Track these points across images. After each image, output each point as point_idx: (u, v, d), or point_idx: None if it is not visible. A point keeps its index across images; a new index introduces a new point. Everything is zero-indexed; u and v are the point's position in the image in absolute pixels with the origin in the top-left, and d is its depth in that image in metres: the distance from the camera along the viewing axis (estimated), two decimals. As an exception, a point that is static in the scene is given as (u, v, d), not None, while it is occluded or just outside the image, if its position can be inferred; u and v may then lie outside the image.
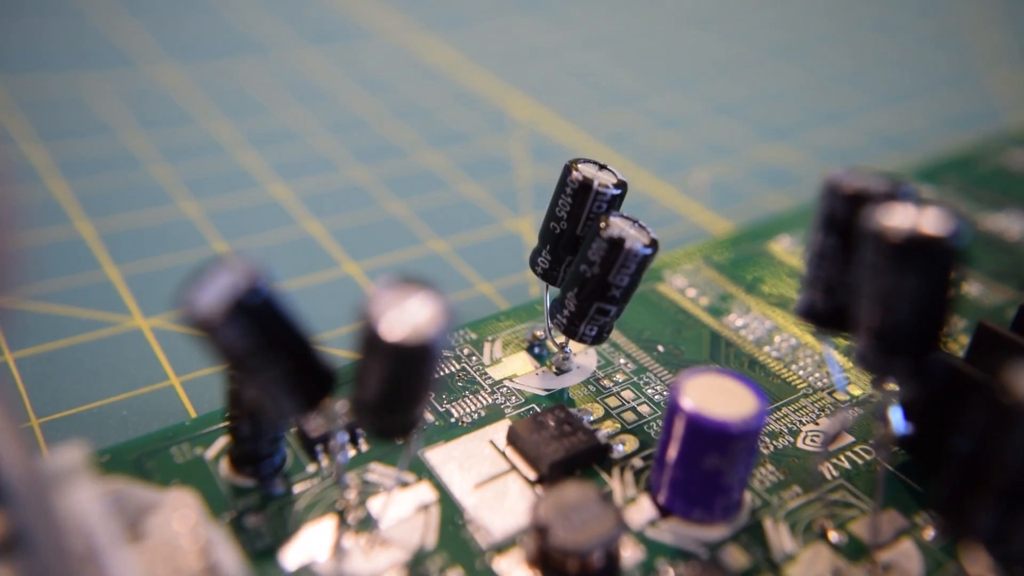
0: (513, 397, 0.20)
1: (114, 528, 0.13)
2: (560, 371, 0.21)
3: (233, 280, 0.13)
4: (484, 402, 0.20)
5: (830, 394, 0.21)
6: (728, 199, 0.32)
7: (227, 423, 0.16)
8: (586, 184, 0.20)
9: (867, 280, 0.14)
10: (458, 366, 0.21)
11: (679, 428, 0.17)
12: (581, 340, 0.20)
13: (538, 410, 0.20)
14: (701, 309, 0.24)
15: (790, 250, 0.26)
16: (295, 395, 0.14)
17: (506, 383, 0.21)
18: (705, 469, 0.17)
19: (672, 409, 0.17)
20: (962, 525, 0.13)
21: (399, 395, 0.14)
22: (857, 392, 0.21)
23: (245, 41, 0.42)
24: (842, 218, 0.15)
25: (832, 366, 0.21)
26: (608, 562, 0.16)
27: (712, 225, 0.31)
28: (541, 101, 0.39)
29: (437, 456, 0.19)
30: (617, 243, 0.18)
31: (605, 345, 0.22)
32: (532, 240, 0.29)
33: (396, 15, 0.46)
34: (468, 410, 0.20)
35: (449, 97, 0.39)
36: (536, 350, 0.22)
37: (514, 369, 0.21)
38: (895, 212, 0.14)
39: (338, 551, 0.16)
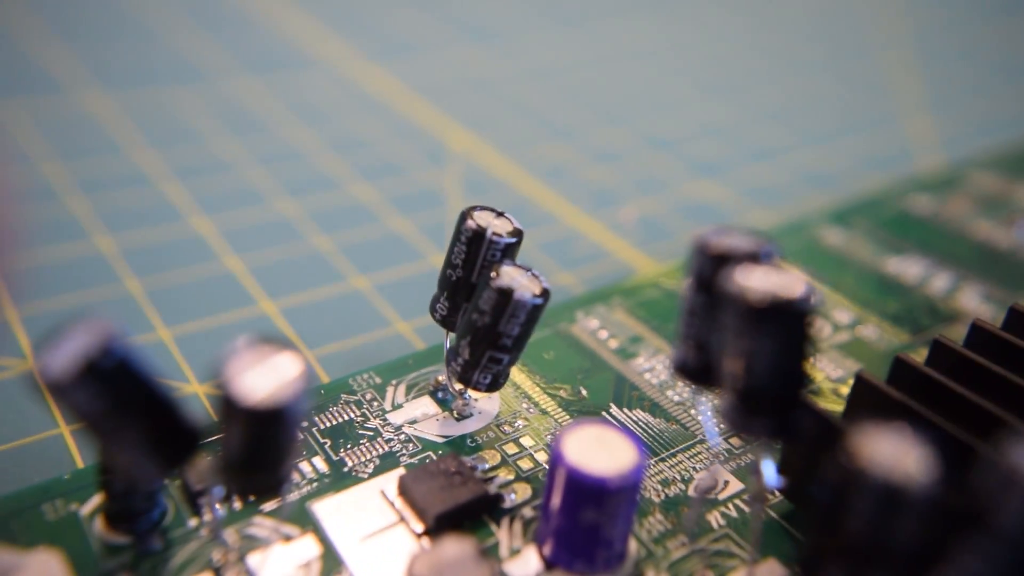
0: (411, 444, 0.20)
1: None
2: (461, 416, 0.21)
3: (87, 341, 0.13)
4: (380, 450, 0.20)
5: (726, 439, 0.21)
6: (656, 235, 0.33)
7: (100, 479, 0.16)
8: (479, 232, 0.20)
9: (727, 340, 0.14)
10: (358, 412, 0.21)
11: (560, 481, 0.17)
12: (476, 387, 0.20)
13: (435, 458, 0.20)
14: (610, 352, 0.24)
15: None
16: (155, 457, 0.14)
17: (405, 429, 0.21)
18: (585, 522, 0.17)
19: (554, 462, 0.17)
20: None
21: (259, 456, 0.14)
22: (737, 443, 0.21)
23: (181, 68, 0.42)
24: (707, 277, 0.15)
25: (707, 423, 0.21)
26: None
27: (636, 262, 0.31)
28: (480, 134, 0.39)
29: (325, 507, 0.19)
30: (506, 293, 0.18)
31: (509, 389, 0.22)
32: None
33: (340, 43, 0.46)
34: (363, 459, 0.20)
35: (388, 128, 0.39)
36: (440, 395, 0.22)
37: (415, 415, 0.21)
38: (752, 274, 0.14)
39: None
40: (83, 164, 0.33)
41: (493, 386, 0.20)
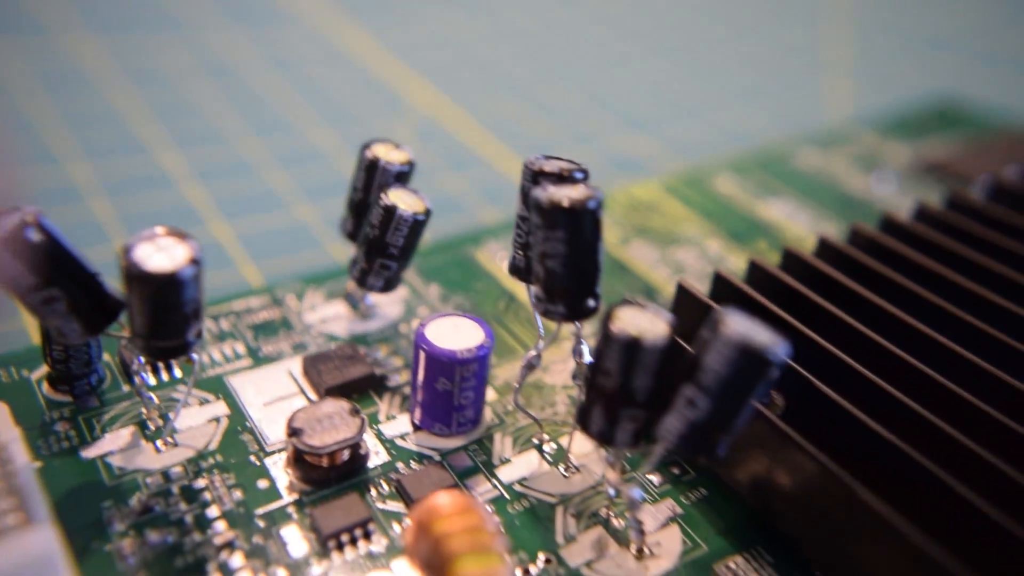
0: (320, 339, 0.24)
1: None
2: (365, 317, 0.25)
3: (18, 218, 0.17)
4: (294, 342, 0.24)
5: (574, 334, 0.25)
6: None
7: (45, 350, 0.20)
8: (373, 161, 0.23)
9: (534, 240, 0.18)
10: (279, 312, 0.25)
11: (421, 358, 0.21)
12: (371, 289, 0.24)
13: (337, 348, 0.24)
14: (505, 274, 0.28)
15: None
16: (78, 321, 0.18)
17: (319, 327, 0.25)
18: (439, 391, 0.21)
19: (416, 343, 0.21)
20: (584, 425, 0.18)
21: (160, 323, 0.18)
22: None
23: (164, 17, 0.46)
24: (527, 191, 0.19)
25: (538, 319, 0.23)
26: (352, 460, 0.20)
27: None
28: (438, 87, 0.43)
29: (239, 380, 0.23)
30: (390, 210, 0.22)
31: (411, 298, 0.26)
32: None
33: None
34: (279, 348, 0.24)
35: (354, 80, 0.42)
36: (351, 300, 0.26)
37: (327, 315, 0.25)
38: (555, 188, 0.18)
39: (131, 449, 0.20)
40: (62, 100, 0.37)
41: (386, 288, 0.24)
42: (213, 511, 0.19)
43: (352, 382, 0.23)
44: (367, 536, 0.19)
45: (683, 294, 0.22)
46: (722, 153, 0.38)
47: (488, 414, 0.22)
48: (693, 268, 0.29)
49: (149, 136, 0.36)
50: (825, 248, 0.25)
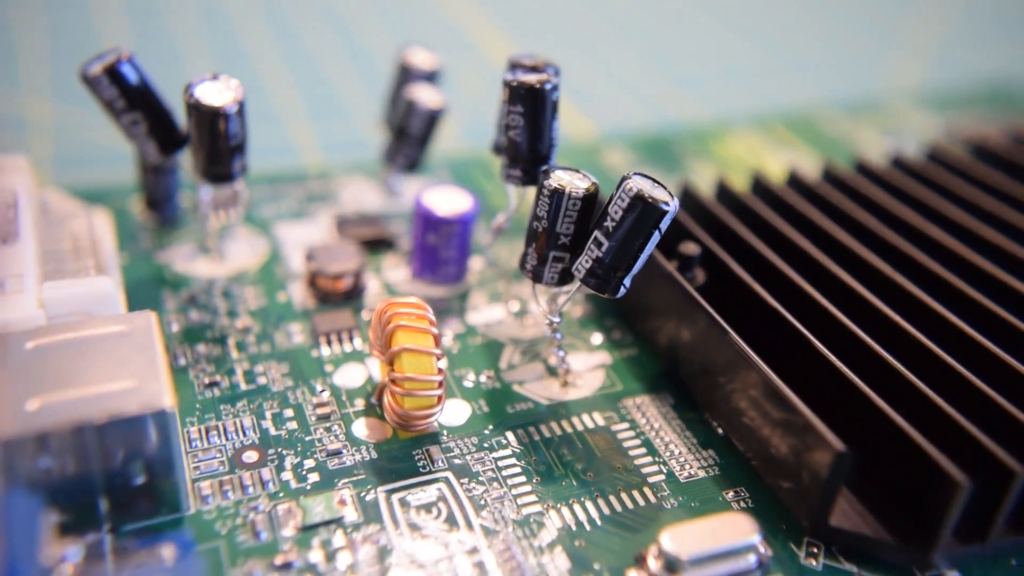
0: (354, 207, 0.30)
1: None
2: (392, 196, 0.30)
3: (115, 55, 0.23)
4: (335, 212, 0.30)
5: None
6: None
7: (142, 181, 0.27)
8: (405, 66, 0.28)
9: (501, 114, 0.22)
10: (327, 187, 0.31)
11: (418, 219, 0.26)
12: (398, 169, 0.29)
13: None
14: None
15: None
16: (154, 143, 0.24)
17: (356, 201, 0.30)
18: (428, 245, 0.26)
19: (416, 204, 0.26)
20: (521, 265, 0.22)
21: (211, 149, 0.23)
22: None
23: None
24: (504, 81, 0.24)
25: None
26: (355, 287, 0.25)
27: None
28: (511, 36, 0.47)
29: (284, 228, 0.28)
30: (410, 104, 0.27)
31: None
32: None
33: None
34: (318, 210, 0.29)
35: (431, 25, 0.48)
36: (390, 184, 0.31)
37: (363, 192, 0.31)
38: (523, 75, 0.22)
39: (189, 260, 0.26)
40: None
41: (410, 168, 0.29)
42: (240, 308, 0.25)
43: (371, 240, 0.28)
44: (351, 340, 0.24)
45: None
46: (754, 111, 0.41)
47: (474, 279, 0.27)
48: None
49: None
50: (795, 180, 0.29)
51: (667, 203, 0.20)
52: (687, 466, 0.21)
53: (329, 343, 0.24)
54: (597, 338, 0.25)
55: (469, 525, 0.19)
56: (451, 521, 0.19)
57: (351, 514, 0.19)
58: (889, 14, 0.55)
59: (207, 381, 0.22)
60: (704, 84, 0.45)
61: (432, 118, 0.28)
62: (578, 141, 0.36)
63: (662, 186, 0.21)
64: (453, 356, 0.24)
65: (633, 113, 0.41)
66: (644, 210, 0.20)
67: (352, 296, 0.26)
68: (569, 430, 0.22)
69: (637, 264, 0.21)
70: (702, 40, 0.50)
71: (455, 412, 0.22)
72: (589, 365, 0.24)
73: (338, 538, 0.18)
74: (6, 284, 0.20)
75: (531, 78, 0.22)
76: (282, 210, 0.29)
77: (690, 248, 0.25)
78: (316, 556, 0.18)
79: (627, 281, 0.21)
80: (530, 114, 0.22)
